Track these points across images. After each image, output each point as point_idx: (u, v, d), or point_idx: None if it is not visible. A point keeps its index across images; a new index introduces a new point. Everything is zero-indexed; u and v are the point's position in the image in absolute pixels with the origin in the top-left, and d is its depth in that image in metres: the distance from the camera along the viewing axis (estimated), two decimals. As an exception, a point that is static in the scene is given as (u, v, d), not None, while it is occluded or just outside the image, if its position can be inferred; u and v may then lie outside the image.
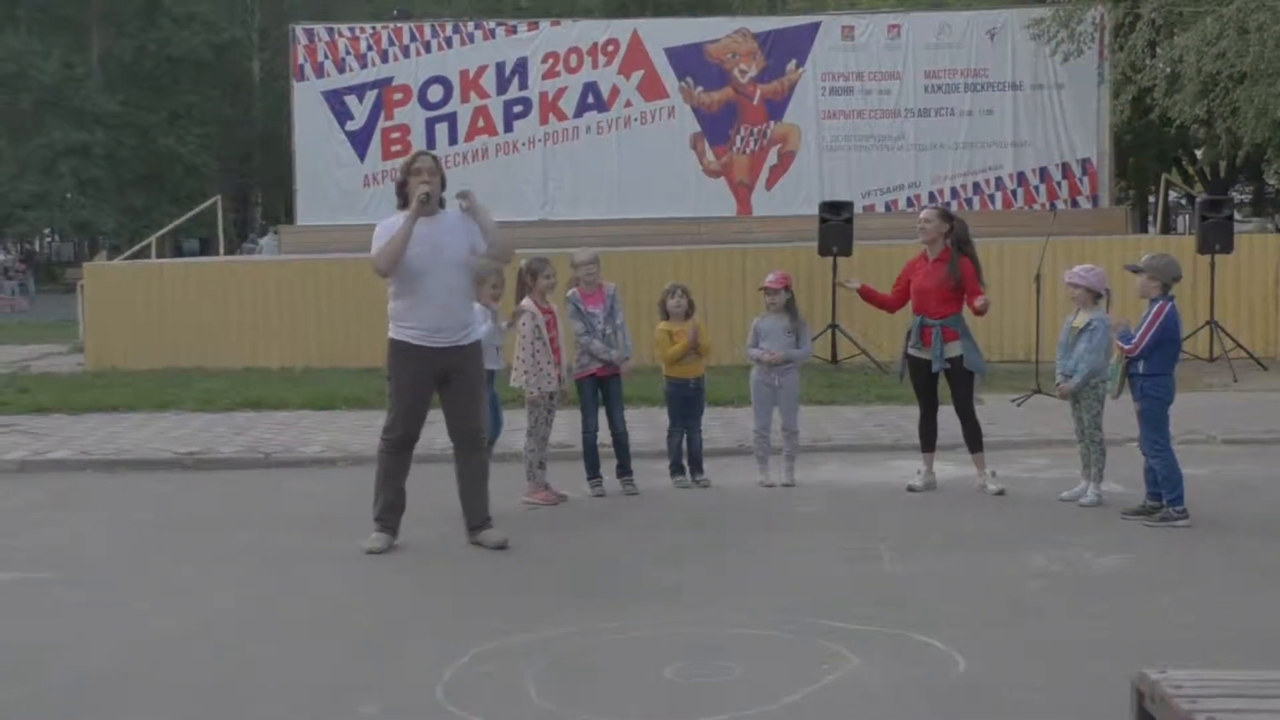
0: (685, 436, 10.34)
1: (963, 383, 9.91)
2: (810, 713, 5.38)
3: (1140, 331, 8.75)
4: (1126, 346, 8.78)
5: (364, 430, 12.94)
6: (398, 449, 8.35)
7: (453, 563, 8.15)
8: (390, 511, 8.34)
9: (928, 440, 10.12)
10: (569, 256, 10.37)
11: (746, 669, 5.91)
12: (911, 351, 10.00)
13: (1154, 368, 8.78)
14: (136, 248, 26.77)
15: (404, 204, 8.20)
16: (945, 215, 10.14)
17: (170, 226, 28.64)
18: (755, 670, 5.89)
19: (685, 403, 10.30)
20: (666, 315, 10.30)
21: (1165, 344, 8.80)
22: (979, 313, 9.78)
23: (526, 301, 9.67)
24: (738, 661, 6.01)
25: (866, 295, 10.29)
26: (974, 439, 9.98)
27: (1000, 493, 9.71)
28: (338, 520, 9.34)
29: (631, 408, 11.06)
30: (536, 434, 9.76)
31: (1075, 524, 8.78)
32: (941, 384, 10.00)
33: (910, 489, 9.94)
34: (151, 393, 15.44)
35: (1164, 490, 8.74)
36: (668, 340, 10.22)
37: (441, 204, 8.28)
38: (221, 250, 27.60)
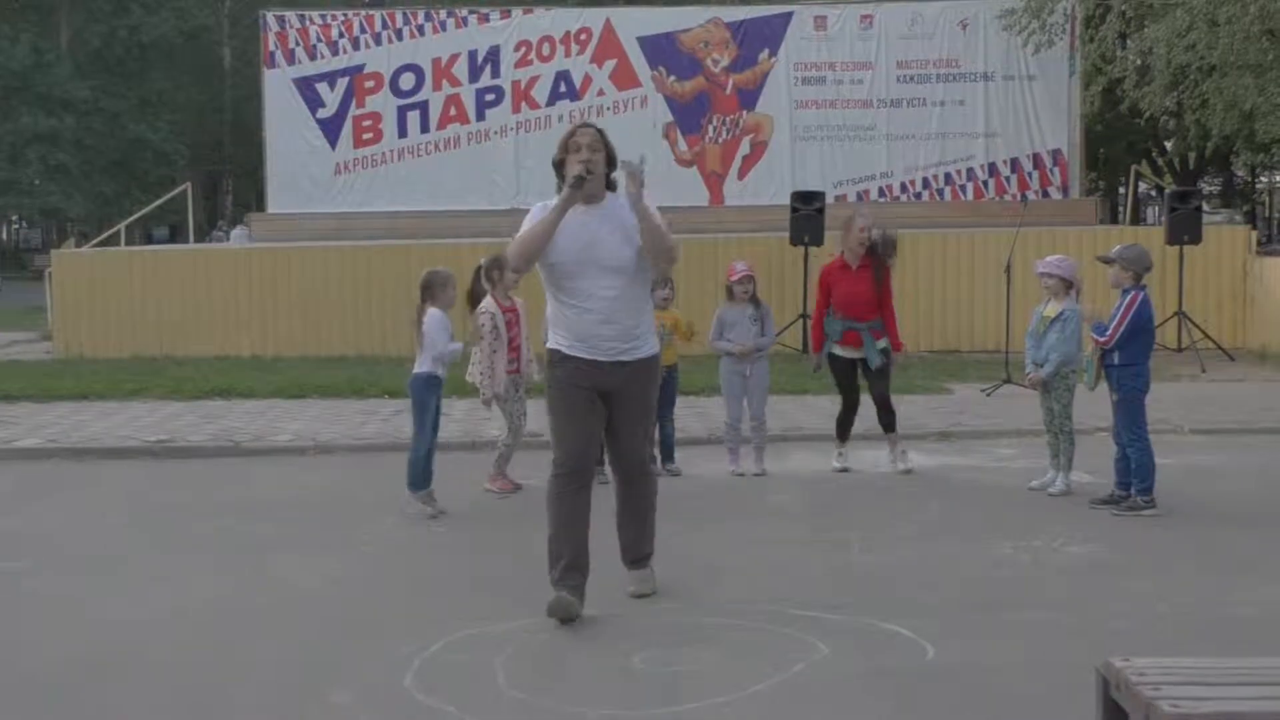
0: (657, 425, 10.34)
1: (884, 376, 10.30)
2: (779, 701, 5.40)
3: (1114, 323, 8.79)
4: (1101, 338, 8.81)
5: (335, 420, 12.93)
6: (571, 483, 6.68)
7: (424, 552, 8.14)
8: (574, 573, 6.60)
9: (846, 430, 10.57)
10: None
11: (715, 657, 5.93)
12: (838, 351, 10.34)
13: (1129, 358, 8.82)
14: (105, 235, 26.63)
15: (562, 182, 6.75)
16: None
17: (140, 214, 28.46)
18: (724, 659, 5.91)
19: (664, 387, 10.29)
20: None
21: (1139, 334, 8.83)
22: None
23: (487, 302, 9.59)
24: (707, 650, 6.03)
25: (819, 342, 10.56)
26: (892, 423, 10.39)
27: (908, 471, 10.16)
28: (309, 509, 9.33)
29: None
30: (515, 428, 9.74)
31: (1044, 513, 8.82)
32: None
33: (840, 470, 10.38)
34: (120, 381, 15.37)
35: (1135, 480, 8.78)
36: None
37: (610, 186, 6.77)
38: (191, 238, 27.49)
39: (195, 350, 17.96)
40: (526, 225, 6.66)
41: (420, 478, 9.01)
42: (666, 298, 10.17)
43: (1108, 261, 9.08)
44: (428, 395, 9.16)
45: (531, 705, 5.37)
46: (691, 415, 12.42)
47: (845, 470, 10.38)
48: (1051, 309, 9.41)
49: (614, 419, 6.79)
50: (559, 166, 6.75)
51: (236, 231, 27.57)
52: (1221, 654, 5.13)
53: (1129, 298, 8.83)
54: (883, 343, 10.18)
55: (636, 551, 7.01)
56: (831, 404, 13.03)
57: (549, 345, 6.83)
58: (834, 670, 5.76)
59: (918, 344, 16.77)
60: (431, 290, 9.21)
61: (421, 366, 9.14)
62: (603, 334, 6.60)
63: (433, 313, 9.14)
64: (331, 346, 18.06)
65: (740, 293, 10.30)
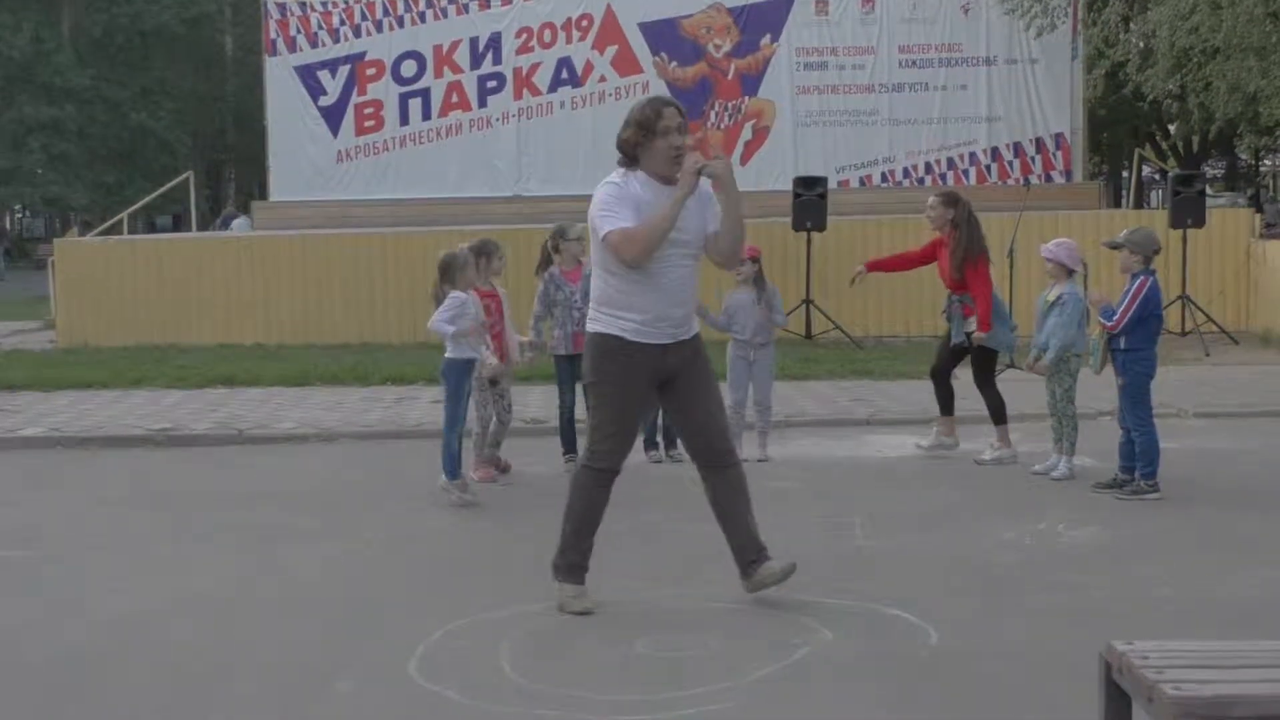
0: (660, 411, 10.33)
1: (977, 360, 10.13)
2: (782, 686, 5.40)
3: (1122, 307, 8.74)
4: (1108, 322, 8.78)
5: (337, 407, 12.93)
6: (608, 480, 6.49)
7: (426, 539, 8.14)
8: (586, 560, 6.53)
9: (940, 404, 10.37)
10: (560, 228, 10.14)
11: (719, 643, 5.93)
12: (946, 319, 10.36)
13: (1135, 343, 8.78)
14: (108, 224, 26.62)
15: (630, 164, 6.38)
16: (948, 201, 10.23)
17: (142, 202, 28.47)
18: (728, 644, 5.91)
19: None
20: None
21: (1147, 319, 8.79)
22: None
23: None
24: (710, 635, 6.03)
25: (876, 266, 10.62)
26: (994, 412, 10.13)
27: (998, 462, 9.94)
28: (312, 497, 9.34)
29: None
30: (481, 415, 9.67)
31: (1047, 497, 8.82)
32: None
33: (918, 446, 10.39)
34: (124, 369, 15.38)
35: (1140, 464, 8.76)
36: None
37: None
38: (194, 226, 27.48)
39: (198, 338, 17.97)
40: (611, 210, 6.26)
41: (452, 463, 8.93)
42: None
43: (1115, 247, 9.05)
44: (458, 378, 9.05)
45: (535, 690, 5.37)
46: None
47: (921, 447, 10.35)
48: (1053, 294, 9.40)
49: (688, 401, 6.47)
50: (631, 146, 6.33)
51: (239, 222, 27.54)
52: (1225, 637, 5.13)
53: (1137, 282, 8.78)
54: (972, 323, 10.00)
55: (752, 549, 6.51)
56: (832, 389, 13.05)
57: (603, 331, 6.37)
58: (837, 655, 5.76)
59: (922, 328, 16.77)
60: (450, 272, 9.06)
61: (454, 352, 9.02)
62: (674, 315, 6.37)
63: (452, 295, 8.98)
64: (335, 334, 18.05)
65: (739, 274, 10.14)
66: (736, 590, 6.61)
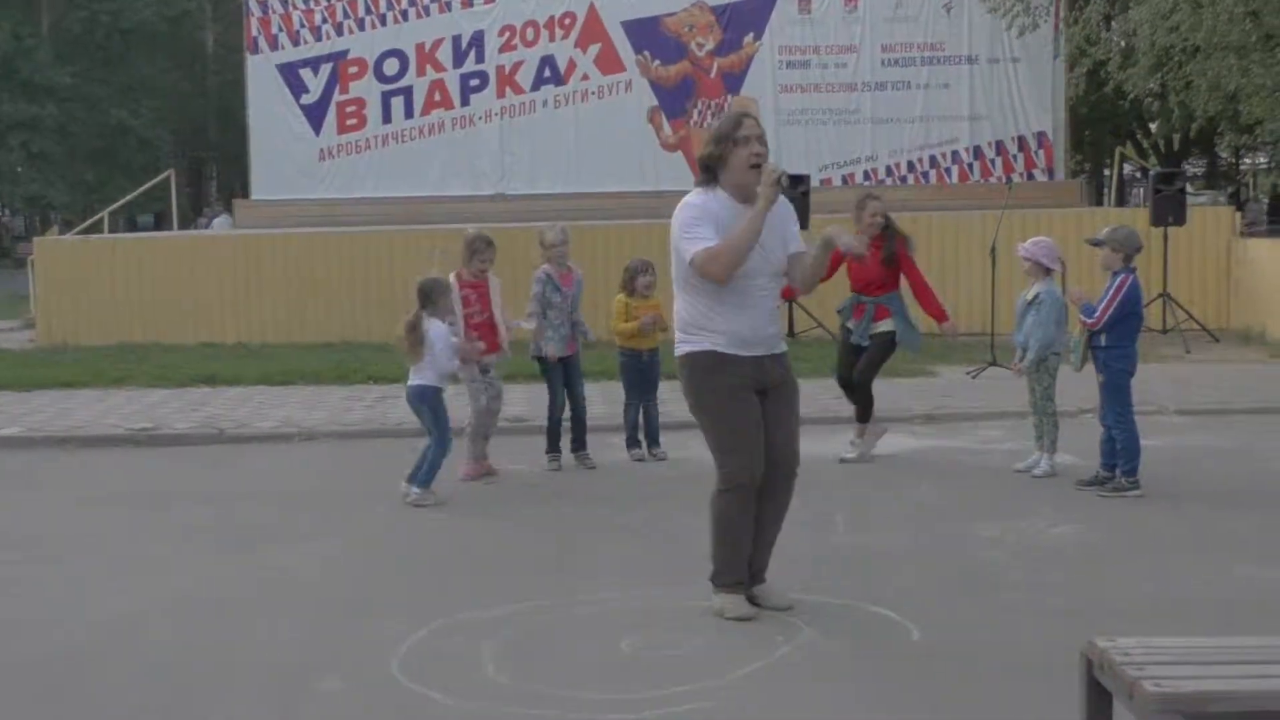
0: (642, 410, 10.35)
1: (873, 357, 10.08)
2: (765, 683, 5.41)
3: (1102, 305, 8.77)
4: (1089, 320, 8.81)
5: (319, 406, 12.91)
6: (749, 495, 6.28)
7: (410, 539, 8.14)
8: (745, 574, 6.39)
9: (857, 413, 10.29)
10: (538, 234, 10.13)
11: (701, 641, 5.94)
12: (849, 325, 10.22)
13: (1116, 340, 8.82)
14: (89, 222, 26.51)
15: (710, 180, 6.26)
16: (878, 197, 10.40)
17: (123, 201, 28.32)
18: (710, 642, 5.92)
19: (640, 375, 10.29)
20: (632, 291, 10.23)
21: (1128, 317, 8.82)
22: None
23: (450, 278, 9.50)
24: (693, 634, 6.04)
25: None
26: (864, 411, 10.13)
27: (862, 458, 9.98)
28: (294, 496, 9.32)
29: (591, 381, 11.08)
30: (479, 410, 9.68)
31: (1029, 495, 8.85)
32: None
33: (842, 460, 10.09)
34: (105, 369, 15.32)
35: (1122, 461, 8.79)
36: (625, 312, 10.20)
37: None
38: (175, 225, 27.39)
39: (180, 337, 17.90)
40: (693, 231, 6.12)
41: (432, 479, 8.95)
42: (649, 284, 10.15)
43: (1097, 244, 9.08)
44: (438, 401, 9.07)
45: (518, 690, 5.37)
46: (676, 399, 12.39)
47: (846, 460, 10.10)
48: (1031, 293, 9.42)
49: (772, 419, 6.28)
50: (715, 160, 6.20)
51: (219, 220, 27.47)
52: (1205, 634, 5.14)
53: (1118, 280, 8.81)
54: (885, 324, 9.99)
55: (763, 562, 6.48)
56: (814, 388, 13.03)
57: (693, 350, 6.25)
58: (819, 652, 5.78)
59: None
60: (432, 298, 9.00)
61: (425, 380, 9.00)
62: (769, 331, 6.28)
63: (438, 327, 8.96)
64: (316, 333, 18.01)
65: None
66: (719, 588, 6.61)
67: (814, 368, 14.50)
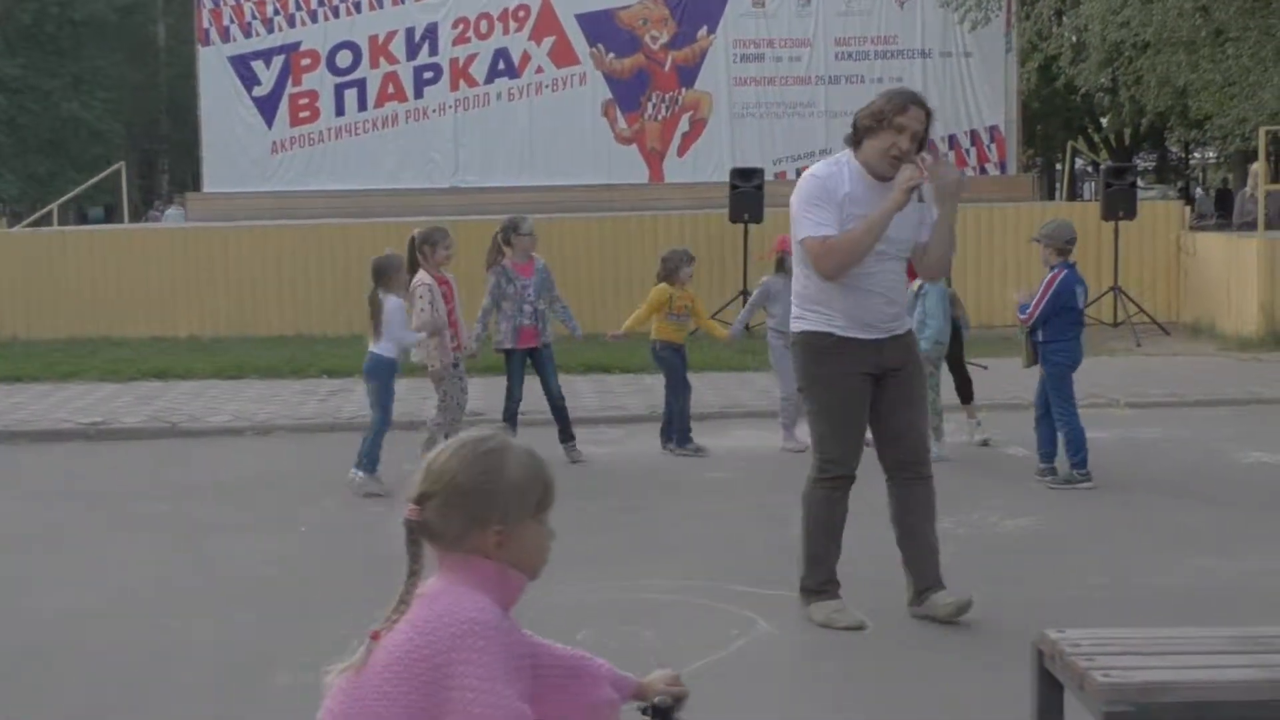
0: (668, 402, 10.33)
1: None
2: (719, 677, 5.42)
3: (1034, 301, 8.90)
4: (1022, 317, 8.97)
5: (272, 400, 12.83)
6: (845, 487, 6.16)
7: (362, 533, 8.09)
8: (835, 572, 6.20)
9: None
10: (513, 224, 10.03)
11: (657, 634, 5.95)
12: None
13: (1053, 334, 8.93)
14: (38, 215, 26.23)
15: (855, 144, 5.96)
16: None
17: (73, 193, 28.08)
18: (665, 635, 5.93)
19: (682, 365, 10.31)
20: (669, 279, 10.21)
21: (1062, 311, 8.92)
22: None
23: (422, 275, 9.46)
24: (648, 627, 6.05)
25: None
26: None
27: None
28: (247, 490, 9.27)
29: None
30: (447, 407, 9.64)
31: (982, 488, 8.89)
32: None
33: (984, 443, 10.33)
34: (55, 363, 15.17)
35: (1069, 454, 8.88)
36: (669, 303, 10.15)
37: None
38: (126, 218, 27.14)
39: (131, 331, 17.74)
40: (812, 211, 5.84)
41: (375, 460, 8.96)
42: (690, 275, 10.21)
43: (1038, 243, 9.22)
44: (389, 377, 9.12)
45: (472, 684, 5.35)
46: (636, 392, 12.40)
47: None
48: (915, 284, 9.27)
49: (891, 404, 6.03)
50: (865, 134, 5.88)
51: (171, 211, 27.23)
52: (1155, 625, 5.19)
53: (1049, 277, 8.95)
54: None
55: (930, 575, 6.13)
56: (769, 381, 13.06)
57: (811, 329, 5.98)
58: (774, 646, 5.80)
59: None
60: (387, 275, 9.08)
61: (381, 350, 9.04)
62: (886, 313, 5.98)
63: (393, 300, 9.03)
64: (269, 326, 17.91)
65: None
66: (675, 581, 6.62)
67: (766, 361, 14.54)
